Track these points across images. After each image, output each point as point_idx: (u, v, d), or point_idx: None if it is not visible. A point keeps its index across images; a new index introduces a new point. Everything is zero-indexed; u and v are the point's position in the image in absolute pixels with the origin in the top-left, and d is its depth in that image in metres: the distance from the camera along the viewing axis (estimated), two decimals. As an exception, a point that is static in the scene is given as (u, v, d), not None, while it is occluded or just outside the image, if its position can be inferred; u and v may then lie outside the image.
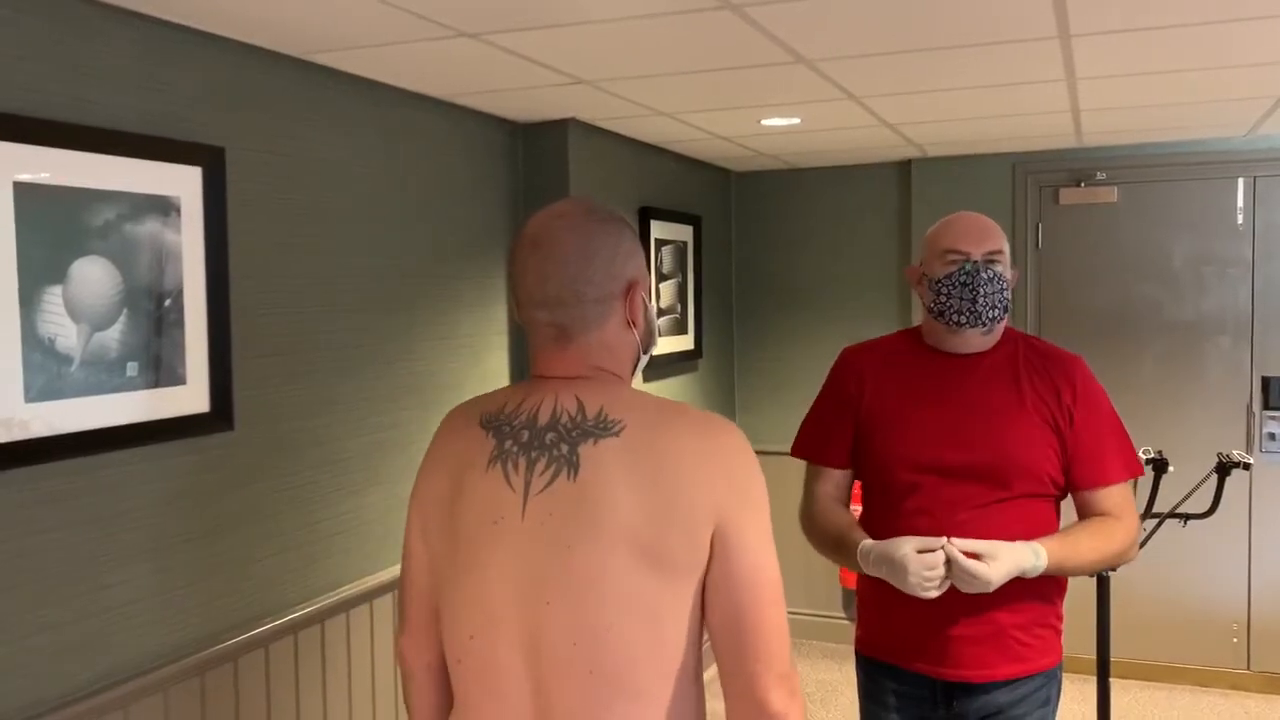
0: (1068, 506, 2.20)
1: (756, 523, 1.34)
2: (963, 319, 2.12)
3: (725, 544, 1.31)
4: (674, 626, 1.32)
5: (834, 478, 2.29)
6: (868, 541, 2.09)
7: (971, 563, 1.96)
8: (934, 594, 1.99)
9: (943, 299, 2.13)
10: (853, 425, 2.26)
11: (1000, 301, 2.12)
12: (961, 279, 2.11)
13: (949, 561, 1.97)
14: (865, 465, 2.25)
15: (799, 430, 2.37)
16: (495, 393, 1.47)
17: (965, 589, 1.99)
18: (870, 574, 2.09)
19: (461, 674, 1.41)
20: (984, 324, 2.12)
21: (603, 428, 1.34)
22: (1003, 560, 1.97)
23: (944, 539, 1.99)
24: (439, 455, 1.47)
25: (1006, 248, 2.17)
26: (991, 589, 1.97)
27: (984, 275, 2.10)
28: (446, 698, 1.55)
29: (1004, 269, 2.14)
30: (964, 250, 2.13)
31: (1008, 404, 2.13)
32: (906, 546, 1.99)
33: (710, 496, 1.31)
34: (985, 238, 2.13)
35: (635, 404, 1.37)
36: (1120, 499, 2.15)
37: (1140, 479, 3.12)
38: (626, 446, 1.33)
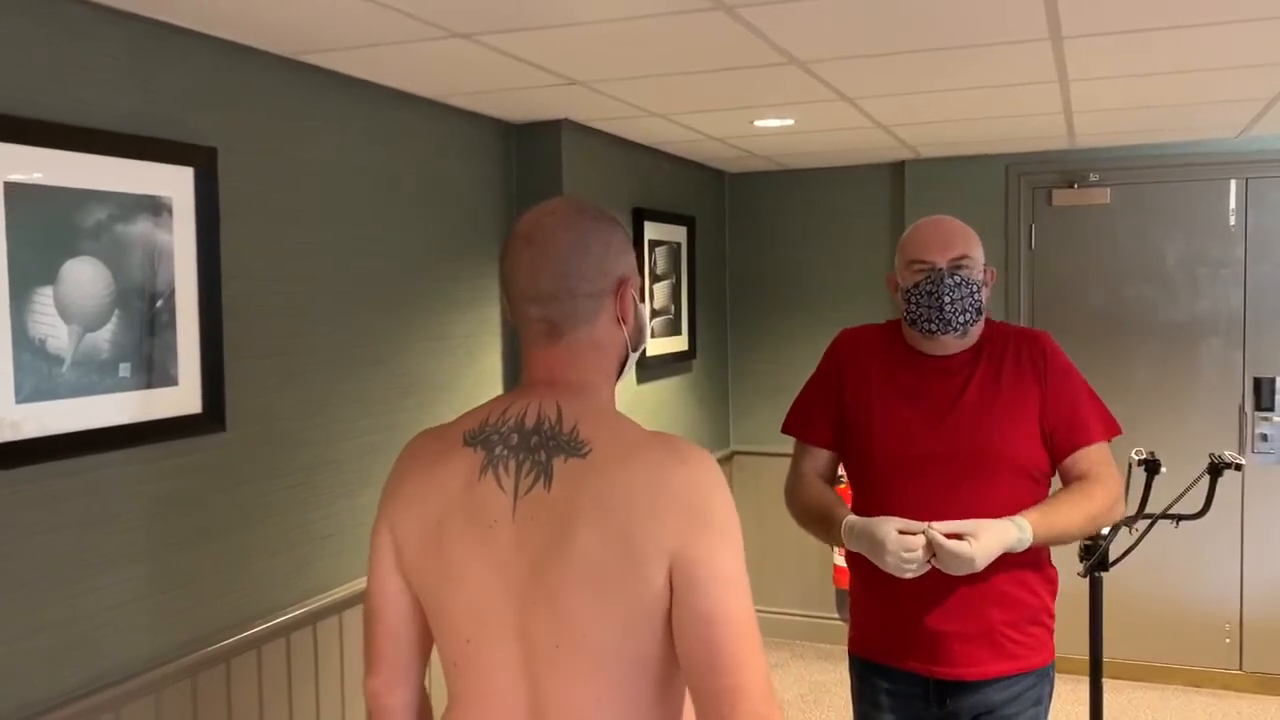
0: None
1: (718, 558, 1.27)
2: (933, 326, 2.14)
3: (685, 583, 1.26)
4: (652, 640, 1.30)
5: (819, 456, 2.33)
6: (852, 517, 2.13)
7: (953, 543, 1.98)
8: (911, 574, 2.02)
9: (913, 308, 2.16)
10: (837, 409, 2.29)
11: (970, 305, 2.13)
12: (928, 288, 2.13)
13: (931, 545, 2.00)
14: (851, 461, 2.28)
15: (790, 407, 2.41)
16: (473, 411, 1.45)
17: (952, 571, 2.01)
18: (852, 549, 2.13)
19: (457, 676, 1.41)
20: (955, 329, 2.14)
21: (573, 446, 1.33)
22: (985, 537, 1.99)
23: (925, 524, 2.01)
24: (415, 490, 1.41)
25: (976, 250, 2.17)
26: (978, 567, 1.99)
27: (949, 282, 2.12)
28: None
29: (973, 272, 2.15)
30: (928, 259, 2.15)
31: (988, 399, 2.16)
32: (888, 525, 2.03)
33: (662, 533, 1.26)
34: (949, 245, 2.15)
35: (605, 426, 1.35)
36: (1099, 457, 2.17)
37: (1133, 480, 3.13)
38: (589, 472, 1.31)
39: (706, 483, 1.31)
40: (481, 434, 1.39)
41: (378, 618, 1.47)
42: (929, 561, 2.01)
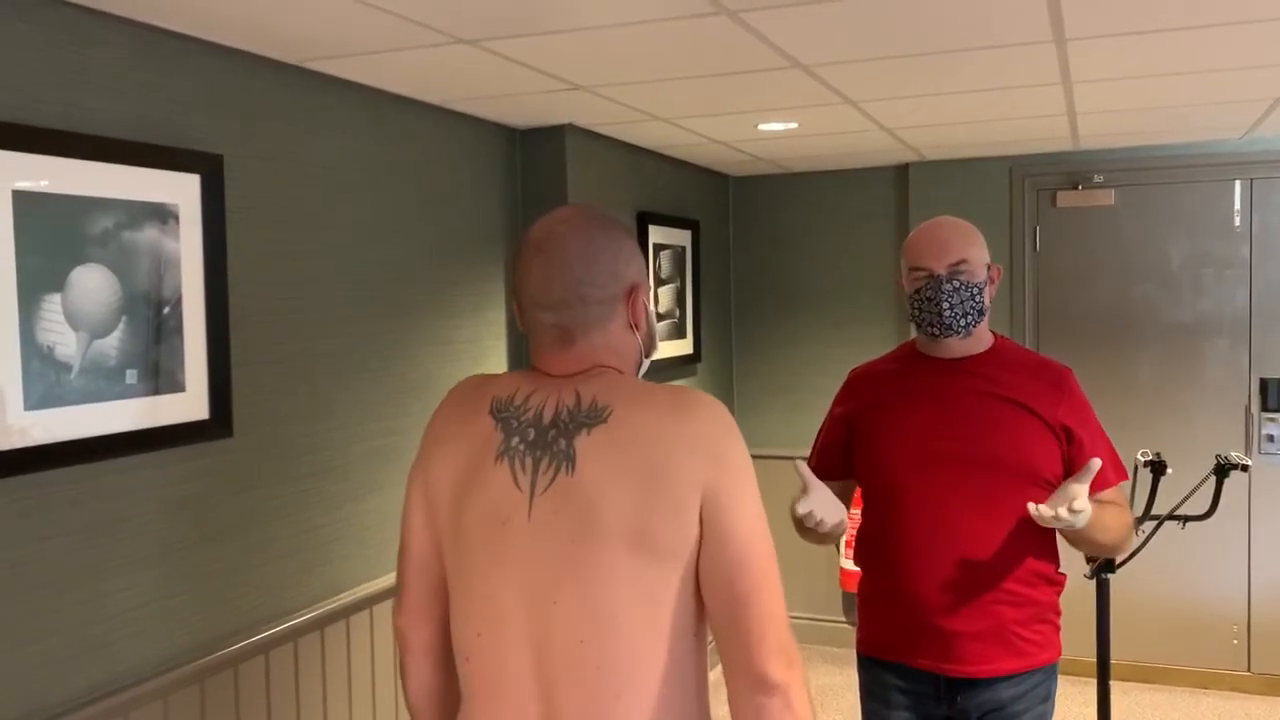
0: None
1: (742, 494, 1.34)
2: (935, 330, 2.19)
3: (714, 519, 1.32)
4: (676, 615, 1.33)
5: (827, 487, 2.34)
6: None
7: (1065, 514, 1.98)
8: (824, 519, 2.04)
9: (915, 312, 2.21)
10: (843, 439, 2.34)
11: (971, 308, 2.17)
12: (928, 294, 2.17)
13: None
14: (862, 468, 2.29)
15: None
16: (506, 376, 1.48)
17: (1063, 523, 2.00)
18: (806, 528, 2.14)
19: (470, 672, 1.41)
20: (956, 332, 2.18)
21: (593, 416, 1.36)
22: (1085, 498, 2.00)
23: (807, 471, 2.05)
24: (451, 435, 1.46)
25: (975, 252, 2.19)
26: (1080, 524, 2.00)
27: (947, 288, 2.15)
28: (441, 677, 1.56)
29: (973, 275, 2.17)
30: (926, 266, 2.19)
31: (995, 401, 2.18)
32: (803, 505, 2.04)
33: (692, 472, 1.32)
34: (946, 251, 2.18)
35: (622, 388, 1.39)
36: (1117, 495, 2.24)
37: (1139, 481, 3.14)
38: (612, 431, 1.35)
39: (724, 423, 1.37)
40: (506, 409, 1.42)
41: (406, 552, 1.52)
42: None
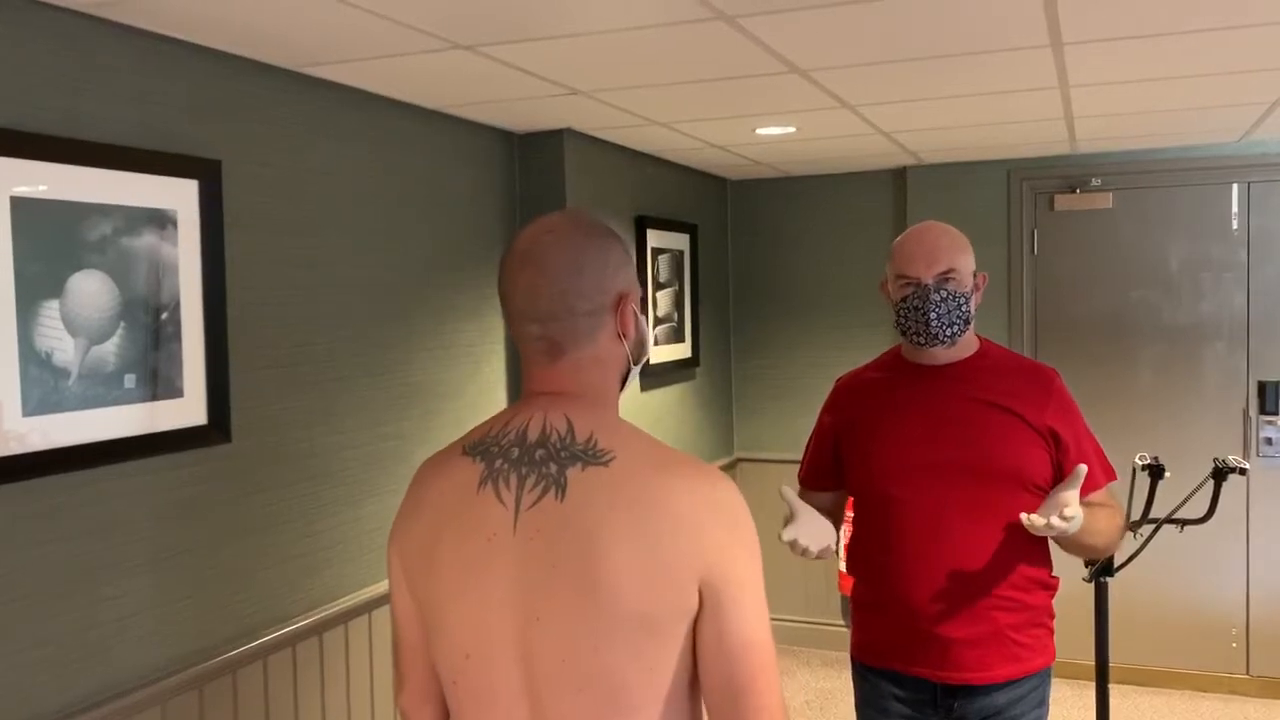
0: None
1: (750, 582, 1.30)
2: (921, 340, 2.18)
3: (717, 603, 1.28)
4: (662, 653, 1.30)
5: (819, 496, 2.37)
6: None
7: (1057, 522, 1.98)
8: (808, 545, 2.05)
9: (902, 320, 2.20)
10: (833, 450, 2.34)
11: (958, 318, 2.16)
12: (915, 303, 2.16)
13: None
14: (852, 477, 2.29)
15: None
16: (476, 427, 1.46)
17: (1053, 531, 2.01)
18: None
19: (458, 694, 1.39)
20: (942, 341, 2.17)
21: (592, 455, 1.32)
22: (1077, 504, 1.99)
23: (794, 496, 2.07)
24: (416, 503, 1.43)
25: (962, 261, 2.19)
26: (1071, 529, 1.99)
27: (935, 298, 2.15)
28: None
29: (960, 284, 2.17)
30: (913, 275, 2.18)
31: (983, 407, 2.17)
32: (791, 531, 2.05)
33: (700, 549, 1.27)
34: (934, 260, 2.17)
35: (628, 438, 1.36)
36: (1107, 496, 2.23)
37: (1137, 484, 3.14)
38: (616, 480, 1.30)
39: (740, 508, 1.33)
40: (481, 445, 1.39)
41: (400, 638, 1.49)
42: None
